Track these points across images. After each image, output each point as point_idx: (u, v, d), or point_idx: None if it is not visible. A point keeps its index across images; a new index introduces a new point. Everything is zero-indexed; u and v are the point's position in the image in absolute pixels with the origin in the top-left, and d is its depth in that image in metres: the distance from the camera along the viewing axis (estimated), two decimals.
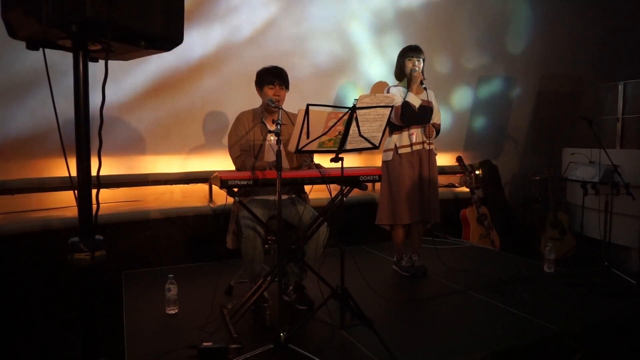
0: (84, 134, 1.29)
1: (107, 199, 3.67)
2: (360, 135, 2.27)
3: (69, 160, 1.36)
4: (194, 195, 4.11)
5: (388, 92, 3.25)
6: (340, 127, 2.20)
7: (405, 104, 3.13)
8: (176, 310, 2.63)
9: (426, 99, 3.20)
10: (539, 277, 3.31)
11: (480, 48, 5.37)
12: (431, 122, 3.26)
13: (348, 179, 2.51)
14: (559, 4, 5.72)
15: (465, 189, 4.84)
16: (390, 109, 2.29)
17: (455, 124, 5.34)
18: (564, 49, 5.78)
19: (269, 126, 2.81)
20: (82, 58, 1.27)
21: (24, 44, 1.29)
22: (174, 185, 4.02)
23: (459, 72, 5.25)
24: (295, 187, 2.86)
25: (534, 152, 5.87)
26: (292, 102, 2.91)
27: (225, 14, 4.06)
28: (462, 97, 5.34)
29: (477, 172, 5.10)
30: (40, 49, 1.29)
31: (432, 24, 5.01)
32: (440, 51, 5.06)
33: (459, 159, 4.77)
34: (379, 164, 3.50)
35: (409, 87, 3.19)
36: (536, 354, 2.27)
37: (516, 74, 5.68)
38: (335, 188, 2.47)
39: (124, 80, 3.72)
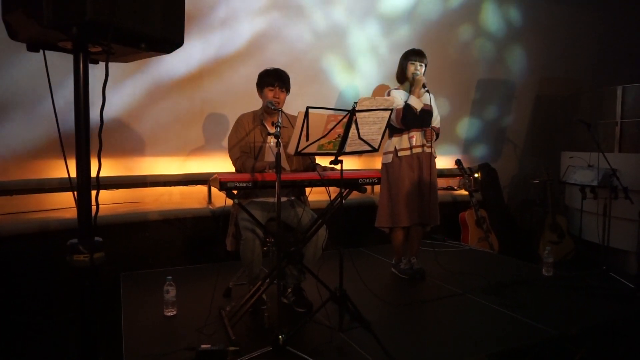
0: (84, 136, 1.28)
1: (106, 200, 3.66)
2: (360, 138, 2.27)
3: (67, 161, 1.37)
4: (193, 197, 4.11)
5: (389, 94, 3.25)
6: (339, 130, 2.20)
7: (407, 107, 3.13)
8: (174, 312, 2.62)
9: (428, 102, 3.21)
10: (538, 280, 3.31)
11: (479, 51, 5.38)
12: (430, 126, 3.27)
13: (347, 182, 2.52)
14: (558, 7, 5.73)
15: (464, 192, 4.85)
16: (389, 112, 2.29)
17: (454, 127, 5.36)
18: (562, 52, 5.80)
19: (268, 128, 2.82)
20: (83, 60, 1.27)
21: (24, 45, 1.30)
22: (172, 187, 4.02)
23: (458, 75, 5.26)
24: (295, 189, 2.86)
25: (533, 156, 5.88)
26: (293, 104, 2.91)
27: (226, 15, 4.07)
28: (461, 100, 5.35)
29: (476, 175, 5.11)
30: (41, 51, 1.29)
31: (431, 27, 5.02)
32: (439, 53, 5.07)
33: (457, 162, 4.78)
34: (378, 166, 3.51)
35: (411, 90, 3.20)
36: (534, 356, 2.27)
37: (515, 77, 5.70)
38: (334, 190, 2.47)
39: (124, 81, 3.72)
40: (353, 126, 2.20)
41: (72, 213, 3.33)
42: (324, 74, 4.55)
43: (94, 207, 1.27)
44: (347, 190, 2.57)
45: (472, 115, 5.48)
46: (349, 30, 4.62)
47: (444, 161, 5.10)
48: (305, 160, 2.87)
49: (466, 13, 5.23)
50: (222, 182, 2.30)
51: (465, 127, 5.46)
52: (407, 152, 3.21)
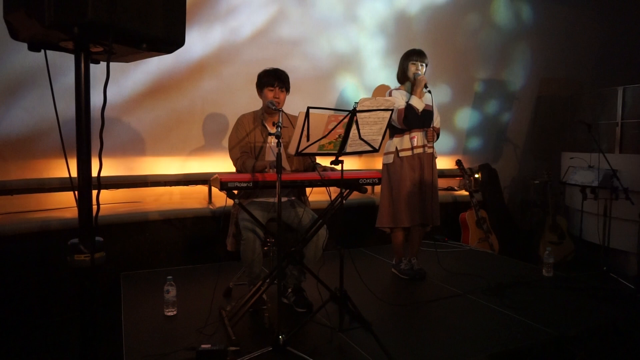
0: (85, 135, 1.29)
1: (106, 200, 3.67)
2: (361, 139, 2.27)
3: (68, 161, 1.37)
4: (193, 197, 4.11)
5: (390, 95, 3.25)
6: (340, 130, 2.20)
7: (409, 108, 3.13)
8: (175, 312, 2.62)
9: (429, 102, 3.21)
10: (538, 280, 3.31)
11: (480, 51, 5.39)
12: (431, 126, 3.27)
13: (348, 182, 2.52)
14: (559, 8, 5.74)
15: (464, 193, 4.85)
16: (390, 112, 2.29)
17: (455, 128, 5.36)
18: (563, 53, 5.80)
19: (269, 128, 2.82)
20: (84, 60, 1.27)
21: (24, 44, 1.30)
22: (173, 187, 4.03)
23: (459, 75, 5.27)
24: (295, 189, 2.86)
25: (533, 156, 5.88)
26: (294, 105, 2.91)
27: (226, 15, 4.07)
28: (461, 101, 5.36)
29: (476, 175, 5.11)
30: (42, 51, 1.30)
31: (433, 28, 5.02)
32: (440, 54, 5.07)
33: (458, 163, 4.78)
34: (379, 166, 3.50)
35: (412, 91, 3.19)
36: (534, 357, 2.27)
37: (516, 78, 5.70)
38: (335, 191, 2.47)
39: (124, 81, 3.73)
40: (354, 126, 2.20)
41: (72, 213, 3.34)
42: (324, 73, 4.55)
43: (94, 207, 1.27)
44: (348, 190, 2.57)
45: (473, 116, 5.48)
46: (350, 29, 4.62)
47: (444, 162, 5.10)
48: (306, 160, 2.87)
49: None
50: (223, 182, 2.30)
51: (465, 127, 5.46)
52: (409, 153, 3.21)
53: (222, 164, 4.05)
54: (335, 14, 4.54)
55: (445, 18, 5.10)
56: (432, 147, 3.27)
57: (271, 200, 2.76)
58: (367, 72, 4.77)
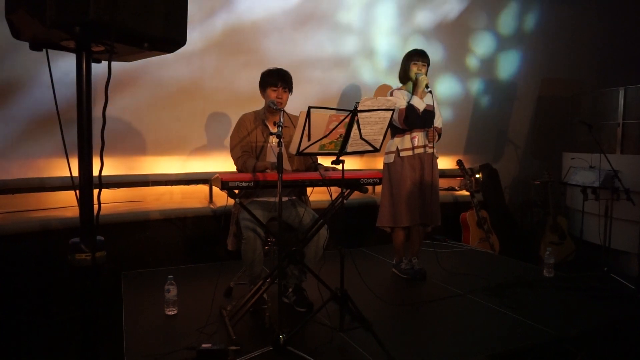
0: (86, 134, 1.28)
1: (107, 199, 3.67)
2: (362, 138, 2.27)
3: (70, 160, 1.37)
4: (194, 197, 4.11)
5: (391, 95, 3.25)
6: (341, 130, 2.20)
7: (410, 108, 3.13)
8: (175, 312, 2.62)
9: (430, 102, 3.21)
10: (538, 281, 3.31)
11: (481, 52, 5.38)
12: (432, 126, 3.27)
13: (349, 182, 2.51)
14: (560, 8, 5.73)
15: (465, 193, 4.84)
16: (391, 112, 2.29)
17: (456, 128, 5.35)
18: (564, 53, 5.79)
19: (270, 128, 2.82)
20: (85, 59, 1.27)
21: (26, 43, 1.30)
22: (174, 186, 4.03)
23: (460, 75, 5.26)
24: (296, 189, 2.86)
25: (534, 156, 5.88)
26: (295, 104, 2.91)
27: (227, 14, 4.07)
28: (462, 101, 5.35)
29: (477, 175, 5.10)
30: (44, 50, 1.30)
31: (434, 28, 5.02)
32: (441, 55, 5.07)
33: (459, 163, 4.77)
34: (380, 166, 3.50)
35: (413, 91, 3.19)
36: (535, 357, 2.27)
37: (517, 78, 5.69)
38: (335, 190, 2.47)
39: (126, 80, 3.73)
40: (355, 126, 2.20)
41: (73, 212, 3.34)
42: (325, 73, 4.54)
43: (95, 206, 1.27)
44: (349, 190, 2.57)
45: (474, 116, 5.47)
46: (351, 29, 4.62)
47: (445, 162, 5.10)
48: (307, 160, 2.87)
49: (468, 14, 5.23)
50: (224, 182, 2.30)
51: (466, 127, 5.45)
52: (409, 153, 3.21)
53: (223, 163, 4.05)
54: (337, 12, 4.53)
55: (446, 18, 5.09)
56: (433, 147, 3.27)
57: (272, 199, 2.76)
58: (369, 71, 4.76)
